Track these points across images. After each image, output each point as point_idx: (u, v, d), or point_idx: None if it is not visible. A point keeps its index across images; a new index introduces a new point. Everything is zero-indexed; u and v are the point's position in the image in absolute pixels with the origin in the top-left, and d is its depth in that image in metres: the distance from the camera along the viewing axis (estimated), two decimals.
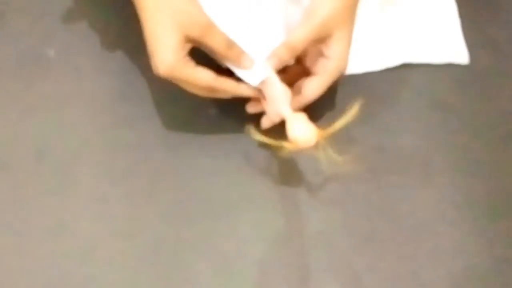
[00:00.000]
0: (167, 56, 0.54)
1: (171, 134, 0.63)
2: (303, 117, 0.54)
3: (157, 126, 0.63)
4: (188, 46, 0.55)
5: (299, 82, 0.60)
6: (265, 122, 0.59)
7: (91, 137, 0.63)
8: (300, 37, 0.56)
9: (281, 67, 0.58)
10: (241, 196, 0.59)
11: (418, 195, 0.60)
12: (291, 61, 0.59)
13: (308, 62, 0.60)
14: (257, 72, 0.58)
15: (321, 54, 0.58)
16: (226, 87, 0.57)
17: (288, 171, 0.60)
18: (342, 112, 0.63)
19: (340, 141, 0.63)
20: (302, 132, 0.53)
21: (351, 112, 0.53)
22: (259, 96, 0.59)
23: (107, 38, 0.69)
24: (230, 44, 0.56)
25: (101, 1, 0.71)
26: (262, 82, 0.58)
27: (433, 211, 0.59)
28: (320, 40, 0.57)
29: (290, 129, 0.54)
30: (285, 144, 0.54)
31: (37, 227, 0.57)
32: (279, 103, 0.56)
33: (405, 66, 0.68)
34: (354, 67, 0.67)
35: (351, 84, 0.66)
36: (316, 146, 0.54)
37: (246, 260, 0.56)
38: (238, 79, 0.58)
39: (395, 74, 0.68)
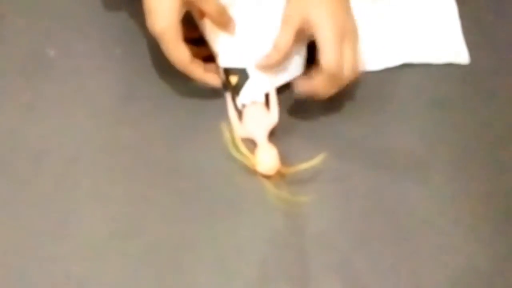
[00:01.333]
0: (166, 15, 0.58)
1: (171, 134, 0.63)
2: (273, 150, 0.60)
3: (158, 126, 0.64)
4: (183, 10, 0.60)
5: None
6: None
7: (91, 136, 0.63)
8: (279, 35, 0.61)
9: (274, 66, 0.62)
10: (241, 196, 0.60)
11: (417, 195, 0.60)
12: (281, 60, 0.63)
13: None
14: (262, 86, 0.63)
15: None
16: (194, 74, 0.62)
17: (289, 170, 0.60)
18: (340, 110, 0.65)
19: (340, 141, 0.63)
20: (266, 160, 0.60)
21: (315, 161, 0.59)
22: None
23: (107, 38, 0.69)
24: (222, 11, 0.62)
25: (101, 2, 0.71)
26: (253, 102, 0.62)
27: (432, 211, 0.60)
28: (302, 27, 0.60)
29: (259, 154, 0.60)
30: (250, 158, 0.60)
31: (37, 227, 0.57)
32: (263, 127, 0.61)
33: (405, 66, 0.68)
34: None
35: (351, 84, 0.66)
36: (272, 179, 0.60)
37: (246, 260, 0.56)
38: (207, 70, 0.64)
39: (395, 74, 0.68)
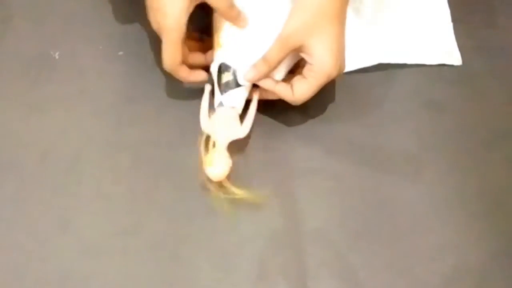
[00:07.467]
0: (175, 15, 0.58)
1: (172, 134, 0.64)
2: (228, 159, 0.59)
3: (159, 126, 0.64)
4: (192, 6, 0.59)
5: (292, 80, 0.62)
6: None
7: (94, 136, 0.63)
8: (272, 50, 0.59)
9: (260, 79, 0.61)
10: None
11: (411, 193, 0.61)
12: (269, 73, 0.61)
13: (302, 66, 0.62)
14: (246, 96, 0.62)
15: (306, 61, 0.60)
16: (180, 75, 0.62)
17: (286, 169, 0.61)
18: (336, 110, 0.65)
19: (335, 140, 0.64)
20: (217, 166, 0.58)
21: (256, 197, 0.58)
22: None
23: (110, 40, 0.70)
24: (230, 5, 0.60)
25: (104, 5, 0.72)
26: (232, 107, 0.61)
27: (426, 208, 0.60)
28: (296, 50, 0.59)
29: (213, 157, 0.59)
30: (205, 157, 0.59)
31: (41, 224, 0.58)
32: (228, 134, 0.60)
33: (399, 67, 0.69)
34: (352, 65, 0.68)
35: (347, 85, 0.67)
36: (213, 184, 0.59)
37: (245, 256, 0.57)
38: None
39: (390, 75, 0.69)
